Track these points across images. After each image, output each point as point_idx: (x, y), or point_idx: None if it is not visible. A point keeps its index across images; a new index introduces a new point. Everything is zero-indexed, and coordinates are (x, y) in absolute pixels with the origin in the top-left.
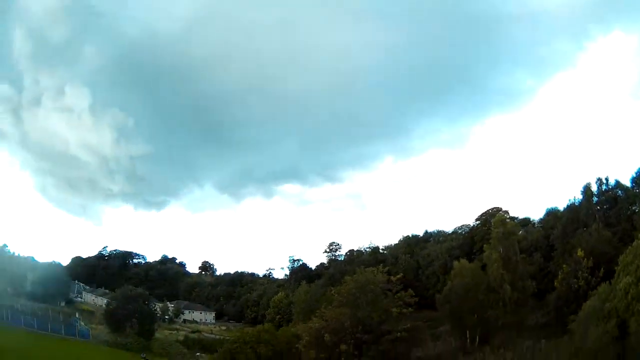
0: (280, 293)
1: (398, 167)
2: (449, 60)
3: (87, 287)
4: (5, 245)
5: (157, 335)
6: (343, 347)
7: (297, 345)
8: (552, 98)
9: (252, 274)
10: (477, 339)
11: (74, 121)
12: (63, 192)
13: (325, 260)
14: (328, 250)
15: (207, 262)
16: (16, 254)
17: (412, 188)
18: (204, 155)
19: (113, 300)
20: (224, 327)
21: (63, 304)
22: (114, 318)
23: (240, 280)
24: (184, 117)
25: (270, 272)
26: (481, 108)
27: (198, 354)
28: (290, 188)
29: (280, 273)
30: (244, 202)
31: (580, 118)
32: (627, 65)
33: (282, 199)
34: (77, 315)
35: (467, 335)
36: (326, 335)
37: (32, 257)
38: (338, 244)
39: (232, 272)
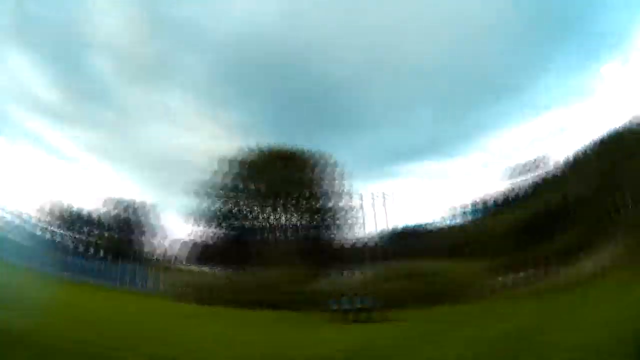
0: None
1: (528, 127)
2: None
3: None
4: None
5: None
6: None
7: None
8: None
9: None
10: None
11: (181, 129)
12: (178, 198)
13: None
14: None
15: None
16: None
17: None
18: (333, 143)
19: None
20: None
21: None
22: None
23: None
24: (301, 106)
25: None
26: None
27: None
28: (430, 164)
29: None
30: (382, 183)
31: None
32: None
33: (420, 175)
34: None
35: None
36: None
37: None
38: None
39: None
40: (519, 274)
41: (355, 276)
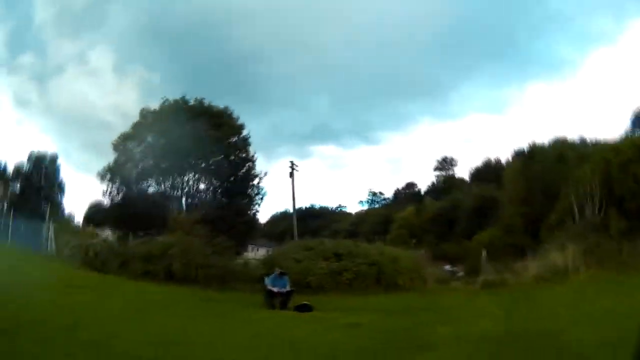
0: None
1: (435, 129)
2: (489, 24)
3: None
4: None
5: None
6: None
7: None
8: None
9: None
10: None
11: (99, 84)
12: (88, 156)
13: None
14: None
15: None
16: None
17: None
18: (244, 114)
19: None
20: None
21: None
22: None
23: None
24: (212, 73)
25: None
26: (522, 75)
27: None
28: (325, 149)
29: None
30: (278, 163)
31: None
32: None
33: (318, 160)
34: None
35: None
36: None
37: None
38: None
39: None
40: (454, 266)
41: (269, 253)
